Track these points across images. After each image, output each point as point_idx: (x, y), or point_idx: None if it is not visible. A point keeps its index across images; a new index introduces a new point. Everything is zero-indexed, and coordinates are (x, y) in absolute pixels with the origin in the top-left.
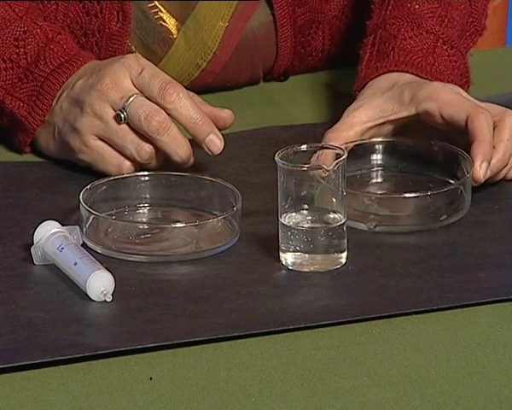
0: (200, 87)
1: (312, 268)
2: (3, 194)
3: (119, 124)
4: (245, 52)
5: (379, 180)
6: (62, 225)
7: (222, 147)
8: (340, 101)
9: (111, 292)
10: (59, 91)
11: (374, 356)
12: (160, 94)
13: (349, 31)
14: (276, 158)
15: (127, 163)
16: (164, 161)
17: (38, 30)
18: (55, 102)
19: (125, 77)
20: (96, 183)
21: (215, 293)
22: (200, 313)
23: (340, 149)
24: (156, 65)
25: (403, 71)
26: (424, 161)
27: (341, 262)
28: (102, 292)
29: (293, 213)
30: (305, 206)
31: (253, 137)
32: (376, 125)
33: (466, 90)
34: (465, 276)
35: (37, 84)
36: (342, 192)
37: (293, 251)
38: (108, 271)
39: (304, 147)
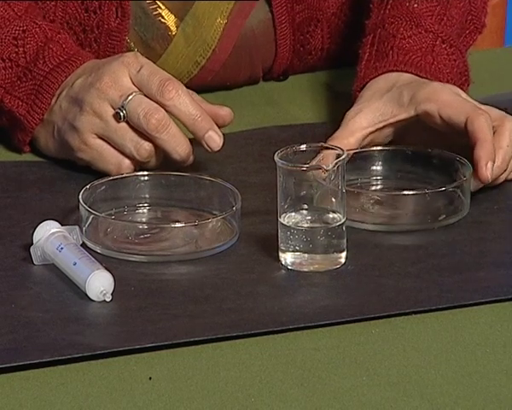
0: (200, 86)
1: (312, 268)
2: (3, 194)
3: (119, 122)
4: (244, 50)
5: (378, 188)
6: (62, 225)
7: (221, 143)
8: (339, 101)
9: (110, 292)
10: (58, 90)
11: (373, 356)
12: (159, 91)
13: (348, 29)
14: (276, 158)
15: (126, 162)
16: (163, 160)
17: (37, 29)
18: (54, 100)
19: (123, 75)
20: (96, 183)
21: (215, 293)
22: (199, 313)
23: (340, 149)
24: (155, 62)
25: (402, 70)
26: (422, 168)
27: (341, 262)
28: (102, 292)
29: (293, 213)
30: (305, 206)
31: (253, 137)
32: (377, 130)
33: (465, 89)
34: (464, 275)
35: (36, 83)
36: (342, 192)
37: (293, 251)
38: (108, 271)
39: (303, 147)
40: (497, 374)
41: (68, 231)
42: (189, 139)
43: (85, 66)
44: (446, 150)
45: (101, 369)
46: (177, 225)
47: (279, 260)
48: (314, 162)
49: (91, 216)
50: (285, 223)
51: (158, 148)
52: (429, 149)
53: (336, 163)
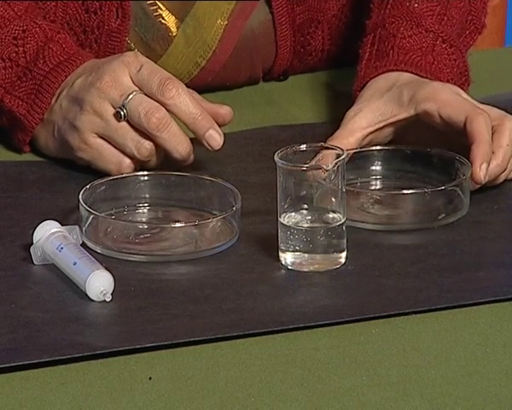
0: (200, 86)
1: (312, 268)
2: (3, 194)
3: (119, 121)
4: (244, 51)
5: (378, 187)
6: (62, 225)
7: (222, 142)
8: (339, 101)
9: (110, 292)
10: (58, 90)
11: (373, 356)
12: (160, 90)
13: (348, 30)
14: (276, 158)
15: (127, 161)
16: (164, 159)
17: (38, 29)
18: (54, 100)
19: (124, 74)
20: (96, 182)
21: (214, 293)
22: (199, 313)
23: (340, 149)
24: (155, 63)
25: (402, 70)
26: (422, 167)
27: (341, 262)
28: (102, 292)
29: (293, 213)
30: (305, 206)
31: (253, 137)
32: (377, 130)
33: (466, 89)
34: (464, 275)
35: (36, 83)
36: (342, 192)
37: (293, 251)
38: (108, 270)
39: (303, 147)
40: (497, 374)
41: (68, 231)
42: (190, 138)
43: (85, 65)
44: (446, 150)
45: (101, 369)
46: (177, 225)
47: (279, 260)
48: (314, 162)
49: (91, 216)
50: (285, 223)
51: (158, 147)
52: (429, 149)
53: (336, 163)
